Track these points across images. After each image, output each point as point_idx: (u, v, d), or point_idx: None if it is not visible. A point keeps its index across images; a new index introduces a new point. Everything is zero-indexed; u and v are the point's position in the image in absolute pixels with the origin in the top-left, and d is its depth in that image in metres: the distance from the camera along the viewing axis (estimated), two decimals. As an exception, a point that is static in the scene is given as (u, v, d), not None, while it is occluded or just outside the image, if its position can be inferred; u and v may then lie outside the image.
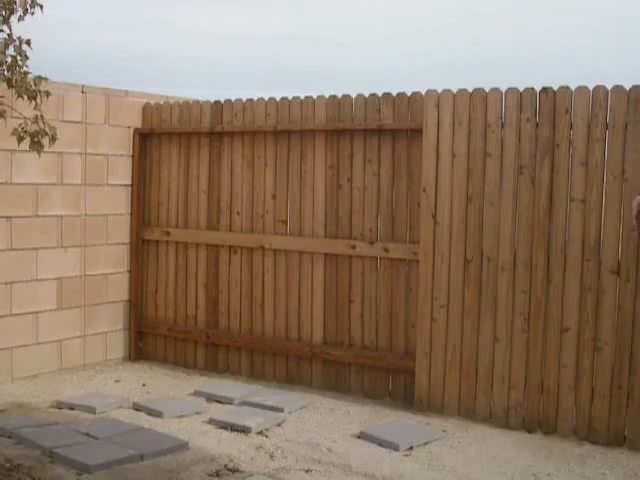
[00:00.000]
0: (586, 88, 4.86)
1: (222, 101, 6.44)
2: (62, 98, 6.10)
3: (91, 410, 5.24)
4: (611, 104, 4.79)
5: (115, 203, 6.66)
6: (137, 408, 5.35)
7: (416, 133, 5.48)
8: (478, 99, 5.20)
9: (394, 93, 5.61)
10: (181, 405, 5.42)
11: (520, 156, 5.07)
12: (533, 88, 5.04)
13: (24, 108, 4.29)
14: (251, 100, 6.29)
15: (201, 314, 6.56)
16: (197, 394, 5.74)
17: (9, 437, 4.63)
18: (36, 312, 6.09)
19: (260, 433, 4.90)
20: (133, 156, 6.76)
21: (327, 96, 5.90)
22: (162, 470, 4.23)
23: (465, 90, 5.26)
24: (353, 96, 5.78)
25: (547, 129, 4.98)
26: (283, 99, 6.13)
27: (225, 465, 4.33)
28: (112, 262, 6.67)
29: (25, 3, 4.11)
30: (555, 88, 4.96)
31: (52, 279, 6.20)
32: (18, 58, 4.16)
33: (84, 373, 6.31)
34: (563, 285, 4.96)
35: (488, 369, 5.22)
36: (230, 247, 6.38)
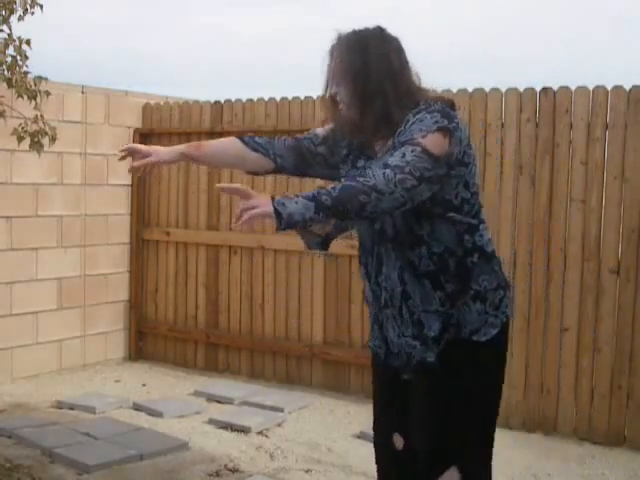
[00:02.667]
0: (586, 88, 4.86)
1: (222, 101, 6.44)
2: (62, 98, 6.10)
3: (91, 410, 5.24)
4: (611, 104, 4.79)
5: (115, 203, 6.66)
6: (137, 408, 5.35)
7: (416, 133, 5.46)
8: (478, 99, 5.20)
9: (394, 93, 5.60)
10: (181, 405, 5.42)
11: (520, 156, 5.06)
12: (533, 88, 5.03)
13: (24, 108, 4.29)
14: (251, 100, 6.29)
15: (201, 314, 6.56)
16: (197, 394, 5.74)
17: (9, 437, 4.62)
18: (36, 312, 6.09)
19: (260, 433, 4.90)
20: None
21: (327, 96, 5.89)
22: (162, 470, 4.23)
23: (465, 90, 5.26)
24: (353, 96, 5.77)
25: (547, 129, 4.97)
26: (283, 99, 6.12)
27: (225, 465, 4.33)
28: (112, 262, 6.67)
29: (25, 3, 4.11)
30: (555, 88, 4.96)
31: (52, 279, 6.19)
32: (18, 58, 4.16)
33: (84, 373, 6.31)
34: (563, 285, 4.96)
35: (488, 369, 5.21)
36: (230, 247, 6.37)
